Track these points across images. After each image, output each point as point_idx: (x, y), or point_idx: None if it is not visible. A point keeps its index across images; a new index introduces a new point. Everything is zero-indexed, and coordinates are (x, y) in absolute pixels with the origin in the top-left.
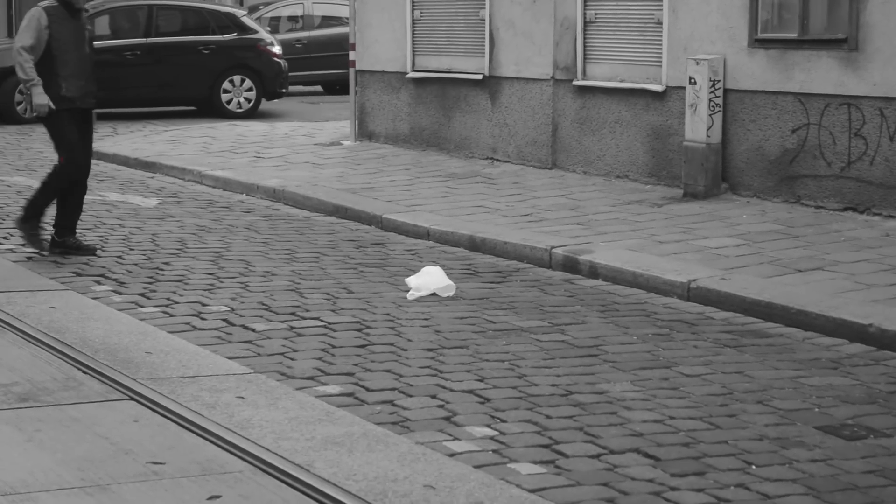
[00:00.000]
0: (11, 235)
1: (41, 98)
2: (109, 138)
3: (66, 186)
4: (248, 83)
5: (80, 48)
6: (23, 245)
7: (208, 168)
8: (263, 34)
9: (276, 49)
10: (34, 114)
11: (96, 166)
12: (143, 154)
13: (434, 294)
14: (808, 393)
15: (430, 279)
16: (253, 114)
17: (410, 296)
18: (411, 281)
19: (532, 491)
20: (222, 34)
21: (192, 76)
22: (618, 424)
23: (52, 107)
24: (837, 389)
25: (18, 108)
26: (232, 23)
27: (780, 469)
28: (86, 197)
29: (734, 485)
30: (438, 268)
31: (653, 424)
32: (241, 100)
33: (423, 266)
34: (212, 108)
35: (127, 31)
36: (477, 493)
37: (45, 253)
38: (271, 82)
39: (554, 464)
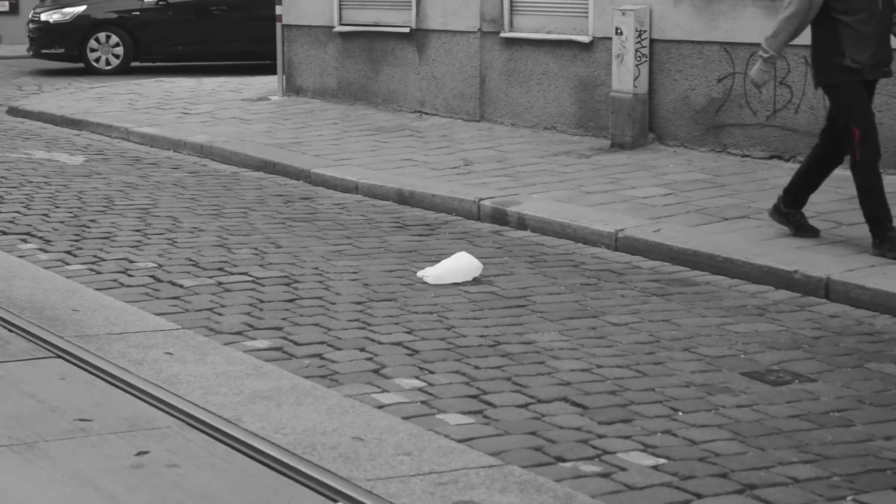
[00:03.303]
0: None
1: (758, 75)
2: (35, 96)
3: (871, 165)
4: None
5: (871, 7)
6: None
7: (135, 125)
8: None
9: None
10: (753, 80)
11: (21, 124)
12: (69, 111)
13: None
14: (734, 340)
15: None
16: None
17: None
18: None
19: (460, 441)
20: None
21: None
22: (545, 374)
23: (761, 91)
24: (763, 336)
25: (91, 56)
26: None
27: (707, 415)
28: (11, 155)
29: (661, 431)
30: (462, 257)
31: (580, 373)
32: None
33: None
34: None
35: None
36: (405, 444)
37: None
38: None
39: (482, 414)
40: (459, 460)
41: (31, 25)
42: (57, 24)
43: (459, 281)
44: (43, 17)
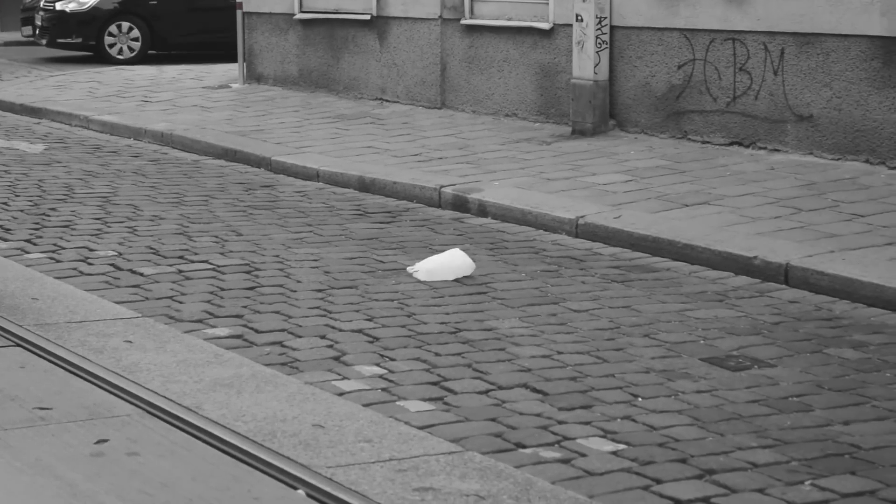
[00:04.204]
0: None
1: None
2: None
3: None
4: None
5: None
6: None
7: (95, 113)
8: None
9: None
10: None
11: None
12: (28, 100)
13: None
14: (694, 325)
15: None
16: None
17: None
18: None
19: (421, 428)
20: None
21: None
22: (506, 360)
23: None
24: (723, 321)
25: (111, 50)
26: None
27: (666, 401)
28: None
29: (621, 417)
30: (456, 256)
31: (541, 360)
32: None
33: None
34: None
35: None
36: (366, 431)
37: None
38: None
39: (443, 400)
40: (420, 447)
41: (42, 14)
42: (73, 14)
43: (451, 278)
44: (58, 6)
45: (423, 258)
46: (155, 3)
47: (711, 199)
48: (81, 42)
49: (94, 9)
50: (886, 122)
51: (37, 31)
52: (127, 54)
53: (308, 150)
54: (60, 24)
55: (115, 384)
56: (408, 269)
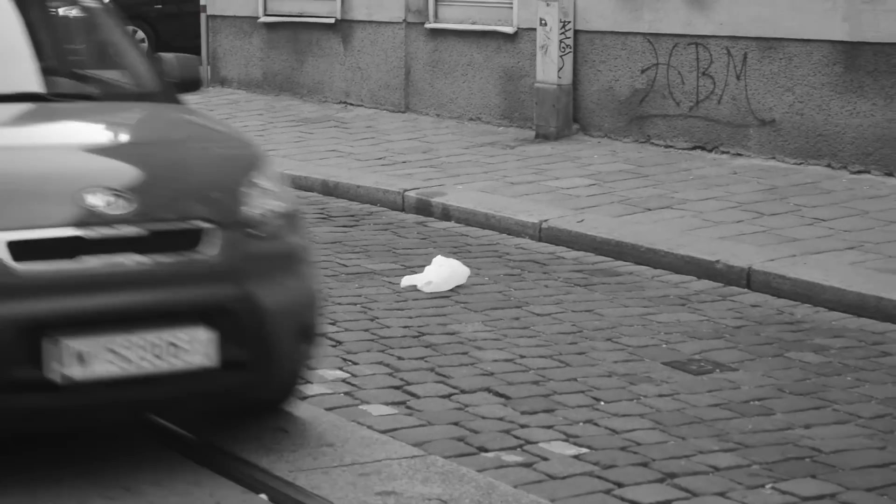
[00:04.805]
0: None
1: None
2: None
3: None
4: None
5: None
6: None
7: None
8: None
9: None
10: None
11: None
12: None
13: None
14: (657, 329)
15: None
16: None
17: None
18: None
19: (383, 432)
20: None
21: None
22: (469, 364)
23: None
24: (685, 325)
25: None
26: None
27: (628, 404)
28: None
29: (583, 421)
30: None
31: (503, 364)
32: None
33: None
34: None
35: None
36: (328, 436)
37: None
38: None
39: (405, 404)
40: (382, 451)
41: None
42: None
43: (453, 287)
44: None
45: (388, 262)
46: (160, 6)
47: (674, 203)
48: None
49: None
50: (848, 126)
51: None
52: None
53: (272, 154)
54: None
55: None
56: (404, 282)
